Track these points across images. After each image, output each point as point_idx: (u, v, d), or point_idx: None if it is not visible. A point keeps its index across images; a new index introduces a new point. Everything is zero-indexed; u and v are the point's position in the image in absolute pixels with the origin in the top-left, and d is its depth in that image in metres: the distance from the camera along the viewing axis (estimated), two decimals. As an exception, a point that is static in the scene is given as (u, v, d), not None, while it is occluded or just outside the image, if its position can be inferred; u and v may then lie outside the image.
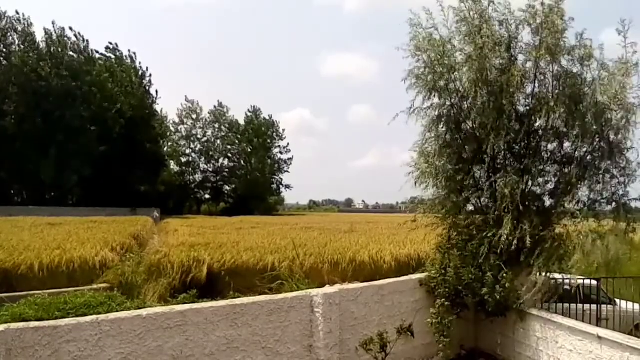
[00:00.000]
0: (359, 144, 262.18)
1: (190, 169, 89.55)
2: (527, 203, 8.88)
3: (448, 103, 9.53)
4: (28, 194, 64.24)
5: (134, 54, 74.03)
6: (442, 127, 9.75)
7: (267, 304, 6.99)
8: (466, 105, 9.53)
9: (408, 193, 10.58)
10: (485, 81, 9.03)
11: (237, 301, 6.88)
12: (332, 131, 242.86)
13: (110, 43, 74.21)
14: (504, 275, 8.55)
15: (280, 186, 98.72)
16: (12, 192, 64.56)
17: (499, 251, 8.74)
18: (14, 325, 5.01)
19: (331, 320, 7.42)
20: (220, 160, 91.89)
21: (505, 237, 8.54)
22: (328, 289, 7.82)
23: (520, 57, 9.15)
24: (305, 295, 7.47)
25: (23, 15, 61.65)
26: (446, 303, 8.55)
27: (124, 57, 73.03)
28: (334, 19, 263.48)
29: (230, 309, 6.59)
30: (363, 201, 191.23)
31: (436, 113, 9.72)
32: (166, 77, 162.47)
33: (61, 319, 5.55)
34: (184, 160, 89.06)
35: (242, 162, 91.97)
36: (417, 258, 16.33)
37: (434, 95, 9.56)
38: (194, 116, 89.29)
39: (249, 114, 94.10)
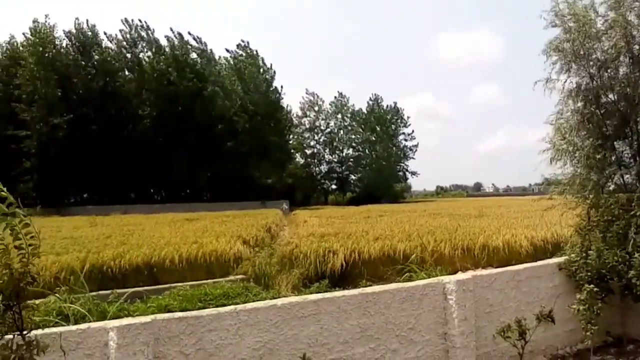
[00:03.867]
0: (485, 125, 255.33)
1: (316, 161, 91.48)
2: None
3: (586, 74, 8.88)
4: (166, 192, 69.01)
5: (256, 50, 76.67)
6: (580, 101, 9.11)
7: (398, 292, 6.93)
8: (607, 76, 8.83)
9: (542, 173, 10.04)
10: (629, 49, 8.33)
11: (369, 290, 6.88)
12: (456, 113, 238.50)
13: (242, 40, 77.70)
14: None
15: (406, 173, 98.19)
16: (152, 190, 69.64)
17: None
18: (160, 316, 5.30)
19: (465, 307, 7.23)
20: (345, 151, 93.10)
21: (655, 216, 7.85)
22: (460, 276, 7.63)
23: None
24: (438, 283, 7.33)
25: (145, 22, 66.46)
26: (595, 289, 8.02)
27: (254, 54, 75.59)
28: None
29: (362, 297, 6.60)
30: (493, 184, 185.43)
31: (574, 85, 9.08)
32: (286, 70, 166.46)
33: (203, 309, 5.81)
34: (308, 152, 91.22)
35: (367, 151, 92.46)
36: (554, 241, 15.52)
37: (572, 67, 8.94)
38: (316, 108, 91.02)
39: (370, 102, 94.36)
